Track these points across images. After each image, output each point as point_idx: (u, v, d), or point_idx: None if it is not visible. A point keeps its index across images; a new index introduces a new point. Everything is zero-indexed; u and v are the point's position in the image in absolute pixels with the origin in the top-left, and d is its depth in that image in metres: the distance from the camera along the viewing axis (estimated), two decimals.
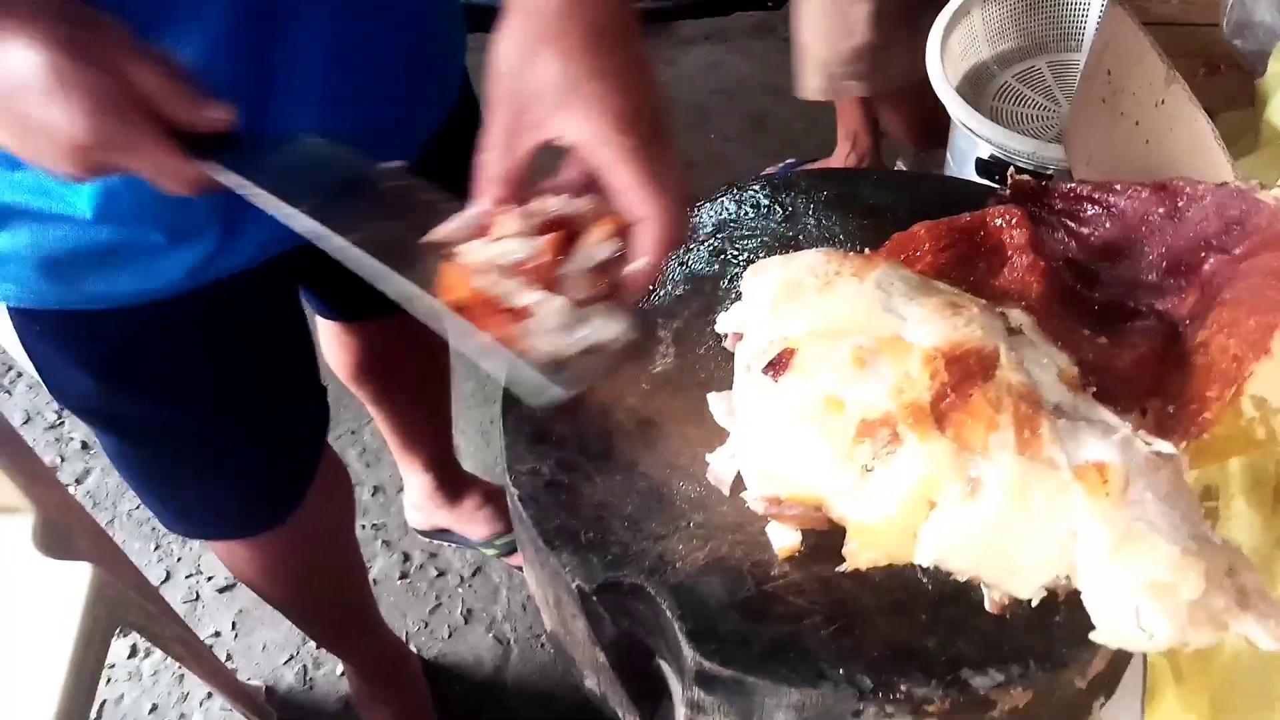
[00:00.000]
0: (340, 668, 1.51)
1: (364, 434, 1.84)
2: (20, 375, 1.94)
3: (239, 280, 0.73)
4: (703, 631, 0.45)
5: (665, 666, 0.49)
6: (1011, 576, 0.41)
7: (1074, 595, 0.44)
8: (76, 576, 1.08)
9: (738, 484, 0.51)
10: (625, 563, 0.48)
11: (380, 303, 0.90)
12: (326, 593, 1.19)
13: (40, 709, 0.93)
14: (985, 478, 0.40)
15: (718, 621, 0.46)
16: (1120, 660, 0.48)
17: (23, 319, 0.73)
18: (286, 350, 0.89)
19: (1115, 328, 0.52)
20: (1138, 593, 0.38)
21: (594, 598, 0.48)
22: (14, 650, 0.99)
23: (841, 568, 0.45)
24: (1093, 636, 0.41)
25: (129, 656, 1.56)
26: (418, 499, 1.55)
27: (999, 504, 0.40)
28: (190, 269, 0.68)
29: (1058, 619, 0.45)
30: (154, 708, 1.54)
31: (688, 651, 0.45)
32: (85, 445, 1.84)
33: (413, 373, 1.26)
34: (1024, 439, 0.40)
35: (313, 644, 1.57)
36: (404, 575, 1.66)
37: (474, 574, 1.63)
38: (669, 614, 0.46)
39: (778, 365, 0.45)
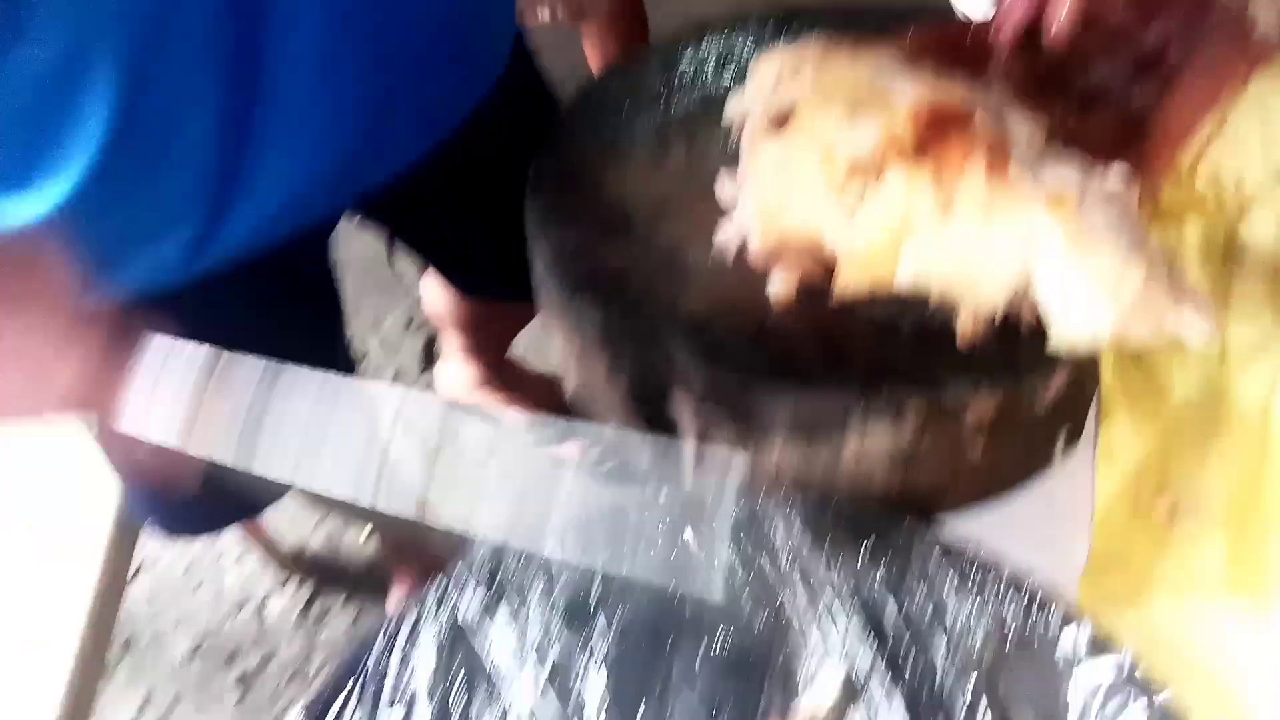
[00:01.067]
0: (366, 531, 1.60)
1: (384, 325, 1.91)
2: None
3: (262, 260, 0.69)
4: (712, 355, 0.52)
5: (677, 405, 0.56)
6: (979, 288, 0.47)
7: (1035, 328, 0.50)
8: None
9: (741, 256, 0.57)
10: (642, 307, 0.54)
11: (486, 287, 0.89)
12: None
13: (86, 562, 0.98)
14: (958, 199, 0.46)
15: (725, 347, 0.52)
16: (1079, 394, 0.55)
17: None
18: (317, 325, 0.88)
19: (1086, 109, 0.58)
20: (1086, 288, 0.44)
21: (614, 340, 0.54)
22: (59, 510, 1.03)
23: (833, 299, 0.51)
24: (1051, 343, 0.47)
25: None
26: (463, 381, 1.56)
27: (969, 221, 0.46)
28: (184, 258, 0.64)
29: (1021, 345, 0.51)
30: (189, 566, 1.63)
31: (698, 372, 0.52)
32: None
33: (503, 332, 1.30)
34: (994, 169, 0.46)
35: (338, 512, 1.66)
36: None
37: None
38: (681, 341, 0.52)
39: (778, 121, 0.51)
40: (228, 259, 0.66)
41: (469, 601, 0.52)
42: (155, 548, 1.62)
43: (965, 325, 0.49)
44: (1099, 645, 0.49)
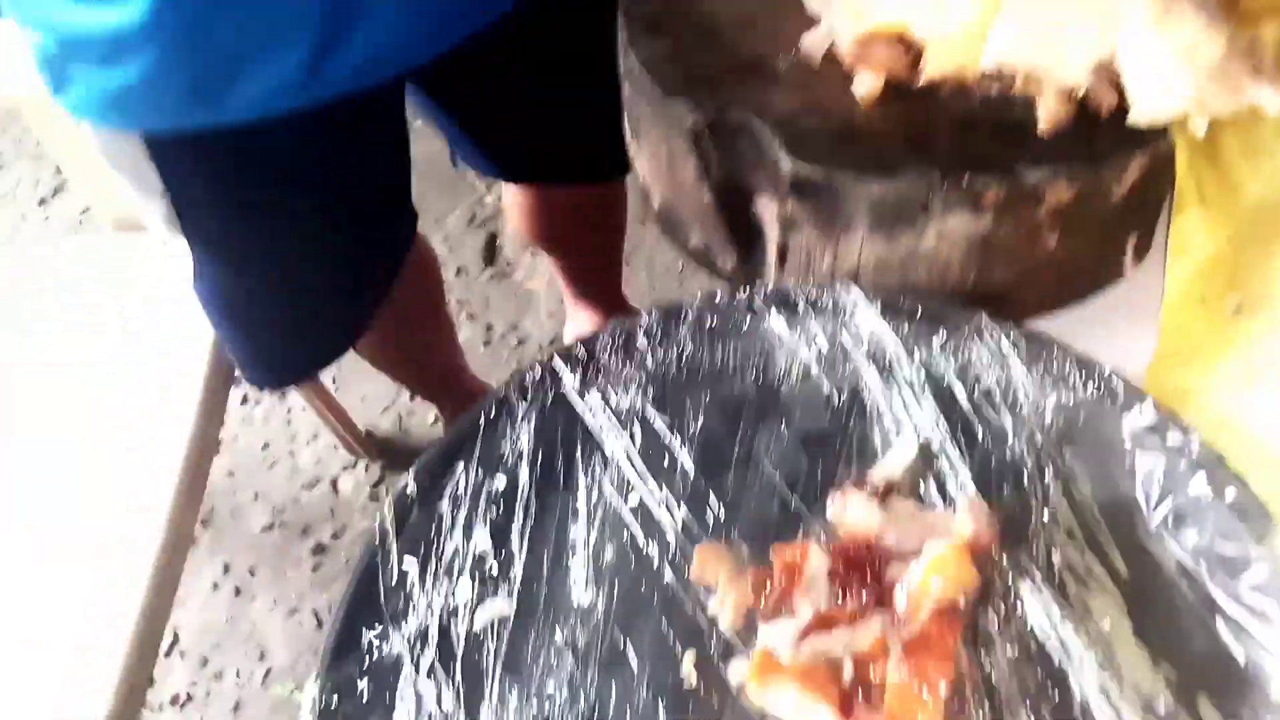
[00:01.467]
0: (433, 415, 1.65)
1: (447, 222, 1.95)
2: None
3: (355, 107, 0.73)
4: (798, 145, 0.54)
5: (760, 207, 0.59)
6: (1063, 65, 0.49)
7: (1116, 112, 0.52)
8: None
9: (827, 60, 0.59)
10: (732, 105, 0.57)
11: (560, 169, 0.96)
12: (422, 360, 1.31)
13: (178, 422, 1.03)
14: None
15: (811, 141, 0.55)
16: (1151, 196, 0.57)
17: (159, 148, 0.74)
18: (390, 175, 0.92)
19: None
20: (1167, 56, 0.46)
21: (704, 142, 0.57)
22: (156, 366, 1.09)
23: (918, 89, 0.53)
24: (1131, 117, 0.49)
25: (241, 403, 1.72)
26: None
27: None
28: (292, 77, 0.67)
29: (1099, 134, 0.53)
30: (266, 445, 1.71)
31: (785, 163, 0.54)
32: None
33: (587, 237, 1.28)
34: None
35: (406, 394, 1.72)
36: (487, 343, 1.79)
37: (551, 341, 1.75)
38: (770, 134, 0.55)
39: None
40: (335, 91, 0.70)
41: (568, 380, 0.56)
42: (233, 427, 1.69)
43: (1049, 107, 0.51)
44: (1162, 424, 0.52)
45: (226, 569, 1.59)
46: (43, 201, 2.14)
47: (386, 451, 1.67)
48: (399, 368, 1.34)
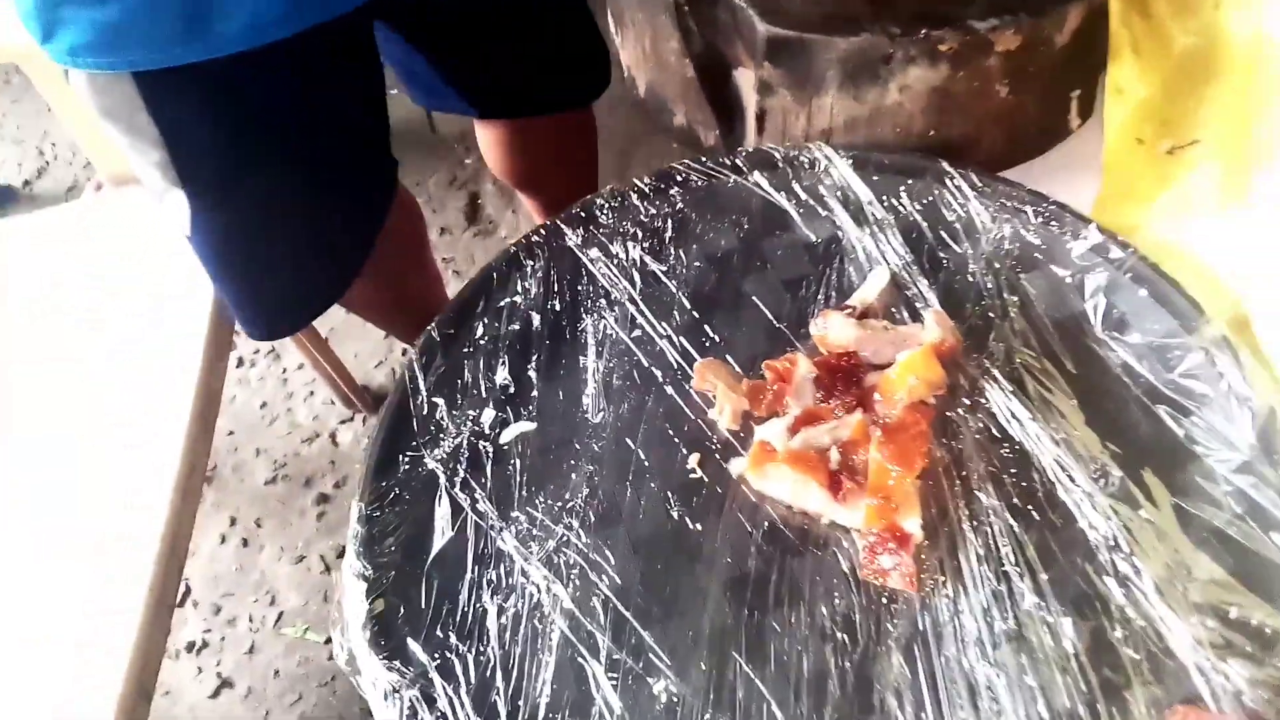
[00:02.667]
0: None
1: (428, 185, 1.99)
2: None
3: (340, 35, 0.78)
4: (771, 10, 0.60)
5: (739, 78, 0.65)
6: None
7: None
8: None
9: None
10: None
11: (531, 100, 0.94)
12: (410, 308, 1.34)
13: (182, 383, 1.07)
14: None
15: (781, 4, 0.61)
16: (1090, 54, 0.63)
17: (152, 86, 0.77)
18: (369, 118, 0.96)
19: None
20: None
21: (686, 9, 0.63)
22: (164, 319, 1.13)
23: None
24: None
25: (237, 366, 1.77)
26: None
27: None
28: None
29: None
30: (264, 404, 1.75)
31: (760, 27, 0.60)
32: None
33: (562, 169, 1.28)
34: None
35: (399, 349, 1.77)
36: None
37: None
38: (743, 4, 0.60)
39: None
40: (315, 19, 0.74)
41: (571, 237, 0.62)
42: (230, 389, 1.73)
43: None
44: (1104, 245, 0.58)
45: (233, 522, 1.63)
46: (27, 183, 2.16)
47: (381, 403, 1.72)
48: (389, 316, 1.37)
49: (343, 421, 1.73)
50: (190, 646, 1.50)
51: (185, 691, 1.43)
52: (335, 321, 1.82)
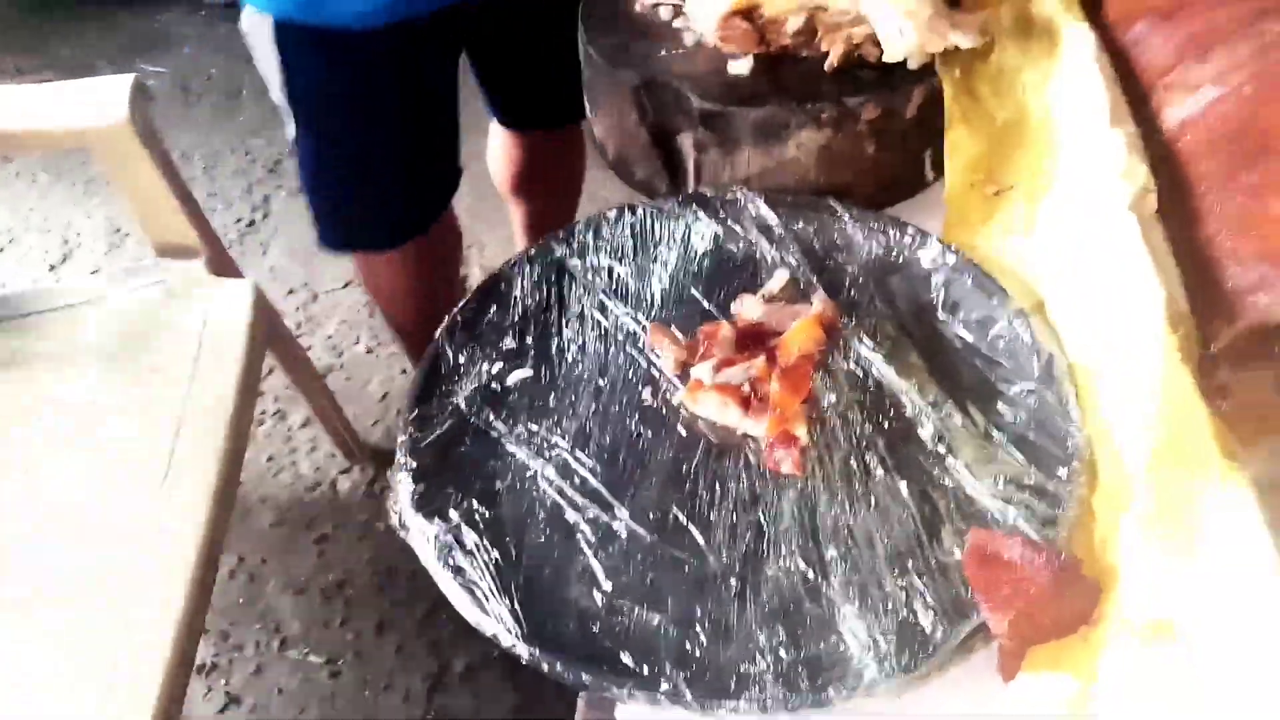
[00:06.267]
0: None
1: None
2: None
3: (423, 32, 1.10)
4: (704, 92, 0.84)
5: (681, 141, 0.88)
6: (838, 14, 0.81)
7: (899, 65, 0.83)
8: (241, 292, 1.46)
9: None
10: (659, 72, 0.87)
11: (541, 115, 1.29)
12: (433, 310, 1.58)
13: (216, 409, 1.28)
14: None
15: (711, 88, 0.85)
16: (935, 115, 0.87)
17: (285, 32, 1.08)
18: (447, 108, 1.29)
19: None
20: (899, 16, 0.78)
21: (643, 93, 0.87)
22: (197, 352, 1.34)
23: (771, 49, 0.84)
24: (885, 57, 0.81)
25: None
26: None
27: None
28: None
29: (894, 75, 0.84)
30: (270, 458, 1.93)
31: (696, 102, 0.84)
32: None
33: (558, 183, 1.67)
34: None
35: (393, 410, 1.97)
36: None
37: None
38: (685, 87, 0.85)
39: None
40: (412, 12, 1.08)
41: (559, 250, 0.84)
42: None
43: (836, 52, 0.83)
44: (943, 252, 0.82)
45: (240, 560, 1.80)
46: (53, 267, 2.38)
47: (379, 456, 1.91)
48: (411, 316, 1.61)
49: (342, 472, 1.92)
50: (200, 669, 1.65)
51: (195, 709, 1.57)
52: (338, 385, 2.02)
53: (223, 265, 1.51)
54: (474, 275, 2.19)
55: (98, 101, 1.34)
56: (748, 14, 0.84)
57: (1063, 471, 0.67)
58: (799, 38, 0.86)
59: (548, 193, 1.66)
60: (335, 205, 1.31)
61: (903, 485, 0.67)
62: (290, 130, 1.21)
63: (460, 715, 1.57)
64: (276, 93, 1.17)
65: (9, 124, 1.38)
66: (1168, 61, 0.79)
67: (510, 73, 1.38)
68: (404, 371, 2.05)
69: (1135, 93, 0.82)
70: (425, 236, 1.38)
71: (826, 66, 0.85)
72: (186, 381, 1.31)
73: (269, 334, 1.49)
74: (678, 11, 0.93)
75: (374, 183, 1.28)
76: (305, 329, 2.16)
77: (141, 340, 1.38)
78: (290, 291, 2.25)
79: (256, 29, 1.11)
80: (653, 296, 0.81)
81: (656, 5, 0.93)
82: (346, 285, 2.24)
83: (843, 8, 0.81)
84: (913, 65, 0.84)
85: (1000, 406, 0.73)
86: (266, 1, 1.07)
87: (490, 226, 2.25)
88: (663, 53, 0.90)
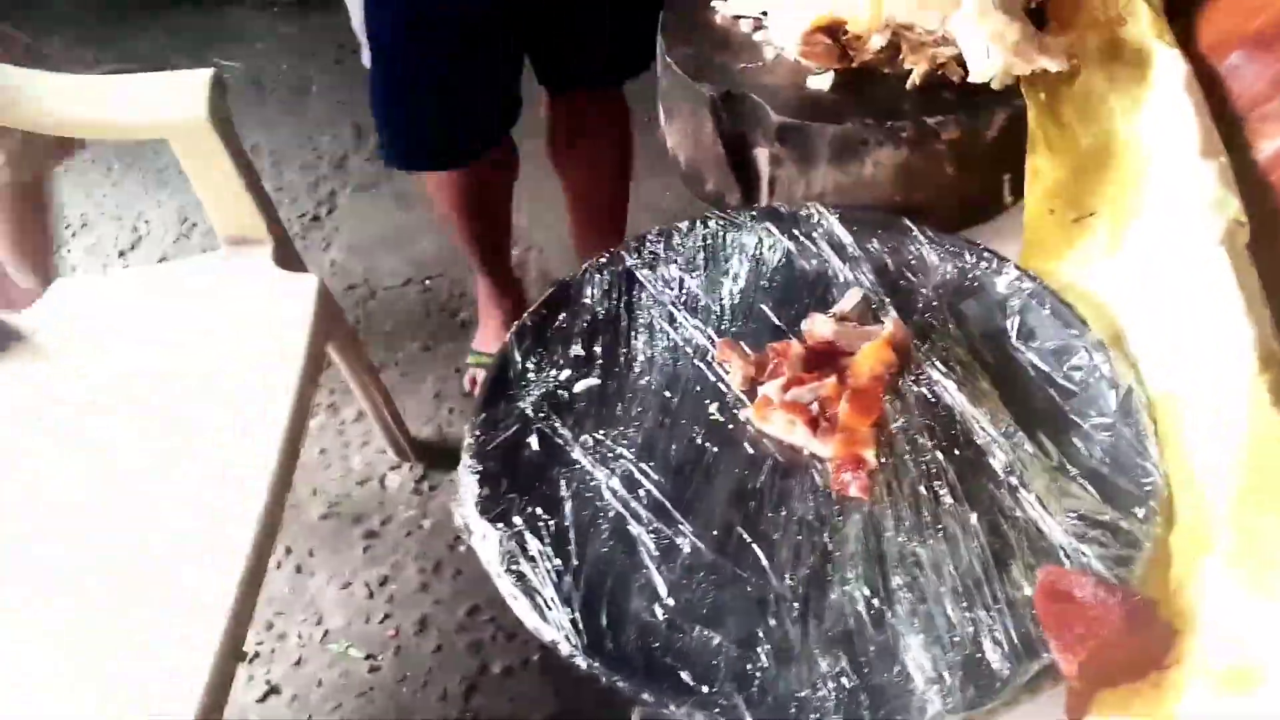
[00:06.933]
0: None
1: None
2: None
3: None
4: (781, 106, 0.84)
5: (756, 154, 0.88)
6: (927, 19, 0.80)
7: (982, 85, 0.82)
8: (307, 285, 1.48)
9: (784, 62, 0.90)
10: (737, 84, 0.87)
11: (577, 75, 1.41)
12: (489, 223, 1.73)
13: (277, 400, 1.29)
14: None
15: (789, 102, 0.84)
16: (1019, 147, 0.86)
17: None
18: (511, 46, 1.38)
19: None
20: (986, 38, 0.76)
21: (720, 105, 0.87)
22: (262, 342, 1.36)
23: (853, 65, 0.84)
24: (970, 78, 0.79)
25: None
26: None
27: None
28: None
29: (976, 95, 0.83)
30: (322, 450, 1.95)
31: (773, 116, 0.84)
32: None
33: (599, 151, 1.71)
34: None
35: (446, 409, 1.98)
36: None
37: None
38: (761, 102, 0.84)
39: None
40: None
41: (630, 259, 0.84)
42: None
43: (920, 71, 0.82)
44: (1019, 278, 0.80)
45: (289, 551, 1.82)
46: (122, 254, 2.43)
47: (429, 454, 1.92)
48: (473, 226, 1.71)
49: (392, 468, 1.94)
50: (243, 656, 1.67)
51: (236, 695, 1.58)
52: (392, 381, 2.04)
53: (288, 259, 1.53)
54: (530, 277, 2.20)
55: (178, 94, 1.37)
56: (831, 30, 0.84)
57: (1139, 510, 0.65)
58: (882, 55, 0.85)
59: (591, 162, 1.70)
60: (403, 127, 1.42)
61: (972, 516, 0.66)
62: (365, 57, 1.34)
63: (497, 717, 1.57)
64: (357, 23, 1.29)
65: (92, 113, 1.41)
66: (1264, 92, 0.77)
67: (549, 34, 1.43)
68: (457, 371, 2.06)
69: (1228, 122, 0.80)
70: (481, 160, 1.48)
71: (909, 85, 0.84)
72: (248, 372, 1.33)
73: (330, 328, 1.51)
74: (758, 25, 0.92)
75: (440, 108, 1.38)
76: (363, 325, 2.18)
77: (207, 328, 1.41)
78: (350, 287, 2.27)
79: None
80: (722, 310, 0.81)
81: (738, 17, 0.93)
82: (406, 283, 2.26)
83: (929, 28, 0.80)
84: (996, 86, 0.82)
85: (1075, 439, 0.71)
86: None
87: (547, 226, 2.26)
88: (741, 65, 0.90)
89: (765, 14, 0.91)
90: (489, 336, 1.99)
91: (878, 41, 0.83)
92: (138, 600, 1.09)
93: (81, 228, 2.49)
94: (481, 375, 1.97)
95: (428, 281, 2.27)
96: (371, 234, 2.41)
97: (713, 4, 0.94)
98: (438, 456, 1.92)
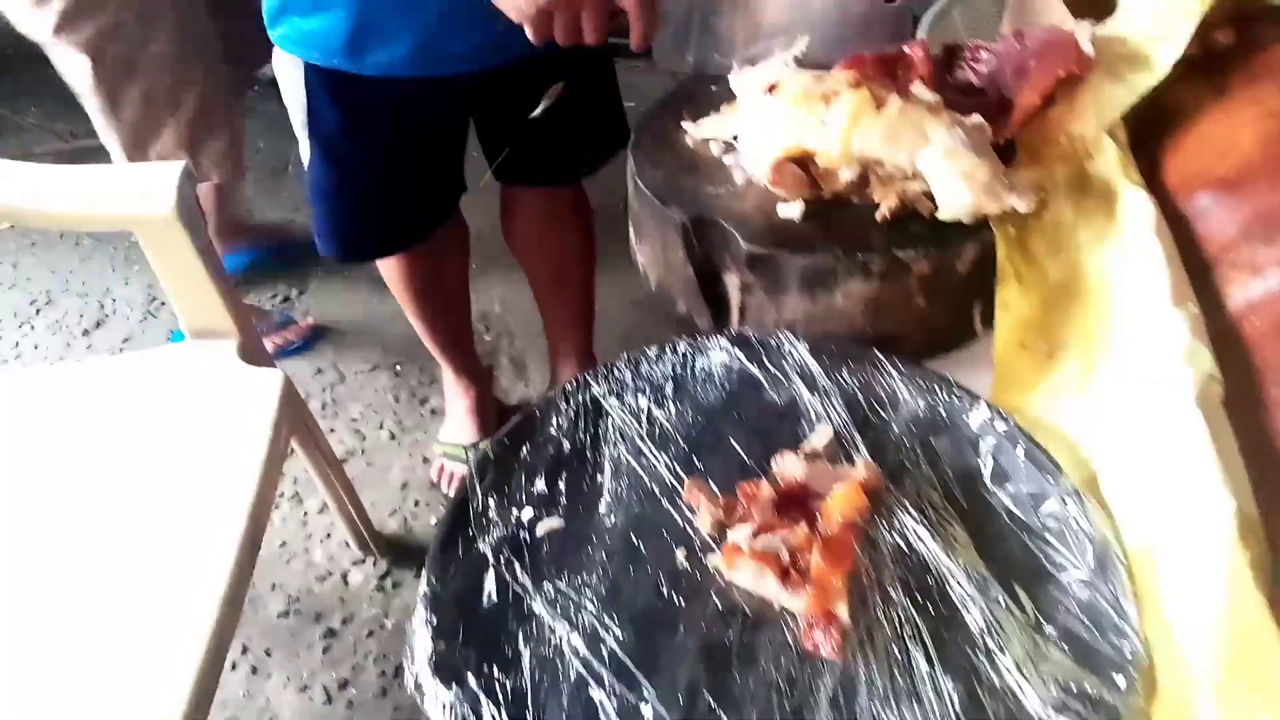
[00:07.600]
0: (434, 518, 1.87)
1: None
2: None
3: (435, 87, 1.18)
4: (752, 234, 0.83)
5: (726, 280, 0.87)
6: (896, 155, 0.79)
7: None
8: (272, 380, 1.45)
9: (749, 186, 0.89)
10: (707, 210, 0.86)
11: (533, 172, 1.35)
12: (442, 309, 1.71)
13: (239, 487, 1.25)
14: (888, 100, 0.78)
15: (759, 230, 0.84)
16: (988, 278, 0.85)
17: (313, 74, 1.17)
18: (453, 146, 1.38)
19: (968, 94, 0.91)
20: (956, 177, 0.76)
21: (690, 230, 0.86)
22: (223, 438, 1.33)
23: (825, 196, 0.83)
24: (939, 215, 0.79)
25: None
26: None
27: (892, 112, 0.78)
28: (406, 56, 1.09)
29: (946, 231, 0.82)
30: (283, 543, 1.90)
31: (743, 246, 0.83)
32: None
33: (557, 247, 1.70)
34: (907, 93, 0.79)
35: (412, 500, 1.94)
36: None
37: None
38: (733, 227, 0.83)
39: (770, 89, 0.84)
40: (428, 73, 1.12)
41: (596, 388, 0.82)
42: None
43: (889, 204, 0.81)
44: (992, 416, 0.79)
45: (245, 649, 1.75)
46: (86, 332, 2.39)
47: (393, 549, 1.87)
48: (429, 308, 1.68)
49: (355, 563, 1.88)
50: None
51: None
52: (358, 470, 2.00)
53: (253, 353, 1.50)
54: (502, 365, 2.17)
55: (146, 188, 1.35)
56: (801, 161, 0.83)
57: (1119, 678, 0.62)
58: (851, 186, 0.84)
59: (548, 252, 1.70)
60: (339, 223, 1.42)
61: (948, 682, 0.63)
62: (304, 154, 1.33)
63: None
64: (298, 124, 1.28)
65: (58, 206, 1.39)
66: (1232, 237, 0.77)
67: (506, 131, 1.43)
68: (425, 460, 2.03)
69: (1196, 262, 0.79)
70: (427, 243, 1.47)
71: (878, 217, 0.83)
72: (209, 467, 1.29)
73: (294, 424, 1.47)
74: (729, 148, 0.92)
75: (380, 205, 1.40)
76: (330, 410, 2.14)
77: (168, 421, 1.37)
78: (319, 371, 2.24)
79: (286, 68, 1.21)
80: (691, 443, 0.79)
81: (708, 140, 0.93)
82: (374, 368, 2.23)
83: (899, 164, 0.80)
84: (967, 222, 0.82)
85: (1052, 591, 0.69)
86: (301, 49, 1.15)
87: (520, 313, 2.24)
88: (711, 189, 0.89)
89: (736, 138, 0.90)
90: (455, 427, 1.96)
91: (847, 175, 0.82)
92: (86, 707, 1.03)
93: (46, 304, 2.45)
94: (449, 466, 1.95)
95: (397, 367, 2.25)
96: (342, 317, 2.38)
97: (683, 126, 0.93)
98: (401, 553, 1.87)
